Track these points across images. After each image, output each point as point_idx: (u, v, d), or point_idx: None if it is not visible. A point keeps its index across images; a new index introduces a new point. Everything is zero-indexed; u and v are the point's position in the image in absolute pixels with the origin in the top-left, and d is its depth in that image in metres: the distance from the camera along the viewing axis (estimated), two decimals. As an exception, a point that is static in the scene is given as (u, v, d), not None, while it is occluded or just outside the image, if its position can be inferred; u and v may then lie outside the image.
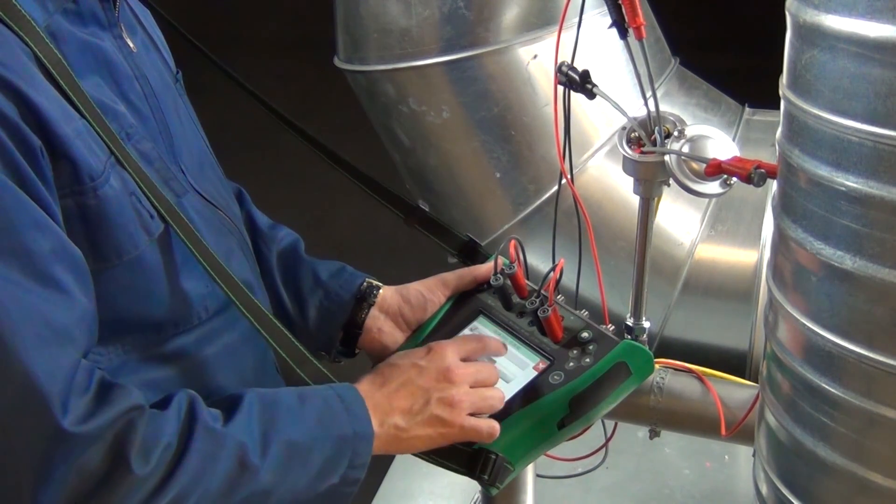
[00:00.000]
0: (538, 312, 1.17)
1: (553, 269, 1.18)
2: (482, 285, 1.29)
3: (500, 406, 1.12)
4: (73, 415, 0.87)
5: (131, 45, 1.07)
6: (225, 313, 1.08)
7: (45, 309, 0.87)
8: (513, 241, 1.23)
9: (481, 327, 1.25)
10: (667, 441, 1.72)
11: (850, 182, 0.80)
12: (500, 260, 1.24)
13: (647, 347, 1.20)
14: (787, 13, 0.87)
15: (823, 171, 0.83)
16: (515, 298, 1.25)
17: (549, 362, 1.16)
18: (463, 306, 1.28)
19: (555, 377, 1.14)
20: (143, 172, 0.98)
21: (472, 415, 1.09)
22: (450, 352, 1.12)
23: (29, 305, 0.86)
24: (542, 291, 1.18)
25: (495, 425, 1.10)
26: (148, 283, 1.00)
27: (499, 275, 1.24)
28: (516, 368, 1.18)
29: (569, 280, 1.35)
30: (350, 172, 1.53)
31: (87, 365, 0.92)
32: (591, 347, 1.16)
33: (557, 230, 1.37)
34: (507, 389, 1.15)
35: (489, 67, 1.69)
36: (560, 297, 1.24)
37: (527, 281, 1.25)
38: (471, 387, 1.10)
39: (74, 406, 0.88)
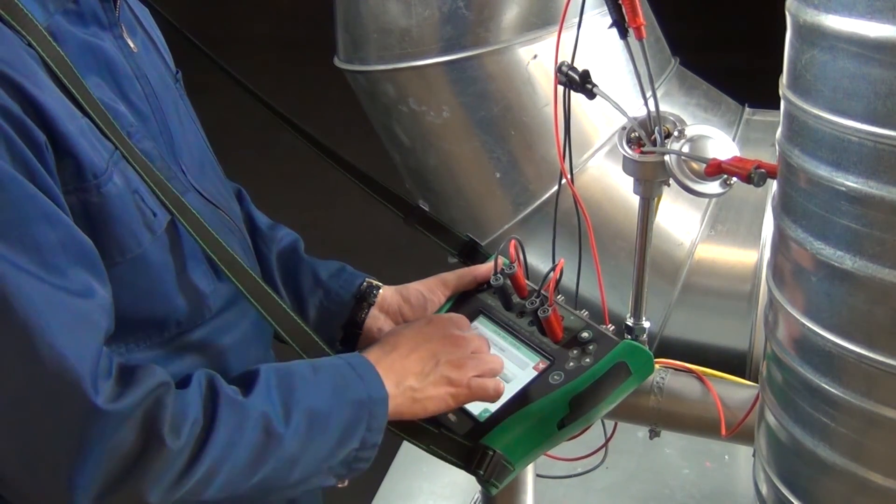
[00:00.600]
0: (538, 312, 1.17)
1: (553, 269, 1.18)
2: (482, 285, 1.29)
3: (500, 369, 1.15)
4: (105, 394, 0.88)
5: (131, 45, 1.07)
6: (234, 307, 1.09)
7: (63, 296, 0.88)
8: (513, 241, 1.23)
9: (481, 327, 1.25)
10: (667, 441, 1.72)
11: (850, 182, 0.80)
12: (500, 260, 1.24)
13: (647, 347, 1.20)
14: (787, 13, 0.87)
15: (823, 171, 0.83)
16: (515, 298, 1.25)
17: (549, 362, 1.16)
18: (463, 306, 1.28)
19: (555, 377, 1.14)
20: (149, 167, 0.99)
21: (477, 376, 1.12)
22: (448, 322, 1.16)
23: (49, 293, 0.87)
24: (542, 291, 1.18)
25: (500, 384, 1.13)
26: (152, 281, 1.01)
27: (499, 275, 1.24)
28: (516, 368, 1.18)
29: (569, 280, 1.35)
30: (350, 172, 1.53)
31: (107, 351, 0.93)
32: (591, 347, 1.16)
33: (557, 230, 1.37)
34: (508, 389, 1.15)
35: (489, 67, 1.69)
36: (560, 297, 1.24)
37: (527, 281, 1.25)
38: (473, 351, 1.14)
39: (104, 388, 0.89)
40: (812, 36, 0.82)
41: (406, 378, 1.08)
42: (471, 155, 1.76)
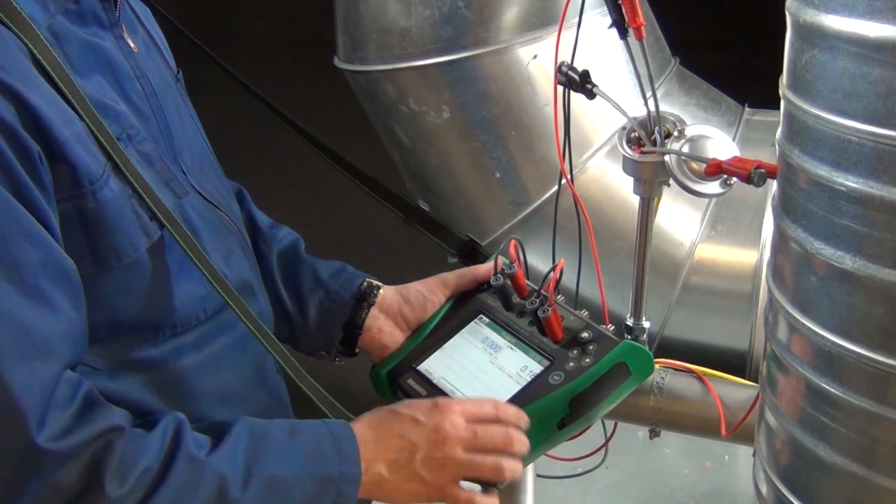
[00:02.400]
0: (538, 312, 1.17)
1: (553, 269, 1.18)
2: (482, 285, 1.29)
3: (496, 476, 1.06)
4: (50, 430, 0.87)
5: (132, 44, 1.07)
6: (224, 314, 1.08)
7: (28, 321, 0.87)
8: (513, 241, 1.23)
9: (482, 327, 1.25)
10: (667, 441, 1.72)
11: (851, 182, 0.80)
12: (501, 260, 1.24)
13: (647, 347, 1.20)
14: (787, 13, 0.87)
15: (823, 171, 0.83)
16: (515, 298, 1.25)
17: (549, 362, 1.16)
18: (463, 306, 1.28)
19: (555, 377, 1.14)
20: (142, 177, 0.98)
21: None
22: (455, 413, 1.06)
23: (11, 316, 0.86)
24: (542, 291, 1.18)
25: (479, 499, 1.05)
26: (146, 286, 1.00)
27: (499, 275, 1.24)
28: (516, 368, 1.18)
29: (569, 280, 1.35)
30: (351, 172, 1.52)
31: (72, 379, 0.91)
32: (591, 347, 1.16)
33: (557, 230, 1.37)
34: (507, 389, 1.15)
35: (489, 67, 1.70)
36: (560, 298, 1.24)
37: (527, 281, 1.25)
38: (466, 450, 1.05)
39: (52, 421, 0.87)
40: (812, 36, 0.82)
41: (376, 464, 1.03)
42: (471, 155, 1.76)
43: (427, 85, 1.72)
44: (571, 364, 1.15)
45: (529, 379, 1.16)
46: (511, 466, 1.07)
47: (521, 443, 1.08)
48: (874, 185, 0.79)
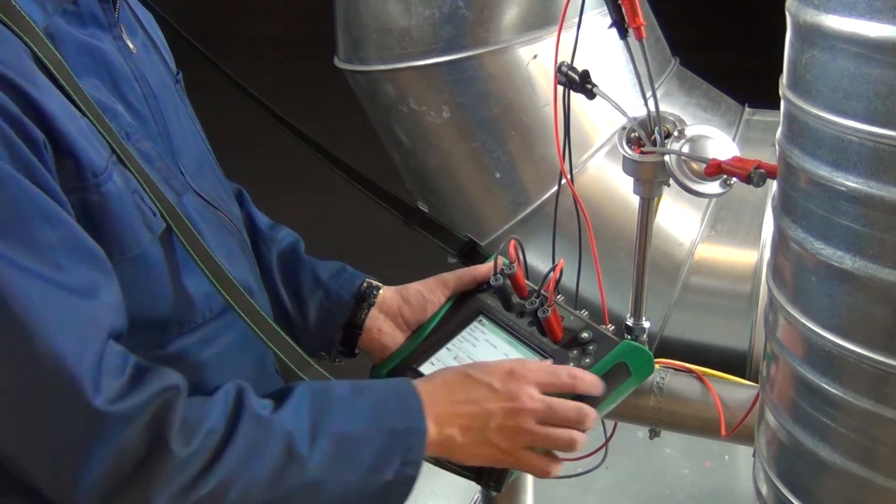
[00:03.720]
0: (538, 313, 1.17)
1: (553, 269, 1.18)
2: (482, 285, 1.29)
3: (568, 449, 1.07)
4: (106, 395, 0.88)
5: (131, 46, 1.07)
6: (227, 313, 1.08)
7: (63, 295, 0.88)
8: (512, 242, 1.23)
9: (481, 327, 1.25)
10: (667, 441, 1.72)
11: (850, 182, 0.80)
12: (500, 260, 1.24)
13: (647, 347, 1.20)
14: (787, 13, 0.87)
15: (823, 171, 0.83)
16: (515, 298, 1.25)
17: (549, 363, 1.16)
18: (463, 306, 1.28)
19: None
20: (145, 172, 0.98)
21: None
22: (530, 382, 1.06)
23: (48, 291, 0.87)
24: (542, 291, 1.18)
25: (552, 466, 1.08)
26: (151, 281, 1.00)
27: (499, 275, 1.24)
28: None
29: (569, 280, 1.35)
30: (349, 175, 1.52)
31: (120, 350, 0.92)
32: (590, 348, 1.16)
33: (557, 230, 1.37)
34: None
35: (489, 67, 1.69)
36: (560, 298, 1.24)
37: (527, 281, 1.25)
38: (539, 423, 1.06)
39: (107, 387, 0.88)
40: (812, 36, 0.82)
41: (450, 426, 1.04)
42: (471, 155, 1.76)
43: (427, 85, 1.72)
44: (571, 364, 1.15)
45: None
46: (582, 439, 1.07)
47: (592, 418, 1.08)
48: (874, 185, 0.79)
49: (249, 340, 1.09)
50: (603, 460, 1.38)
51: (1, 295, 0.85)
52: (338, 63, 1.87)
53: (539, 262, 1.57)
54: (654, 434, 1.35)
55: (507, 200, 1.77)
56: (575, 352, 1.16)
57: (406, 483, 1.02)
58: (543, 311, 1.16)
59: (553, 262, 1.27)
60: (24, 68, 0.90)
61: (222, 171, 1.24)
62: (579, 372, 1.10)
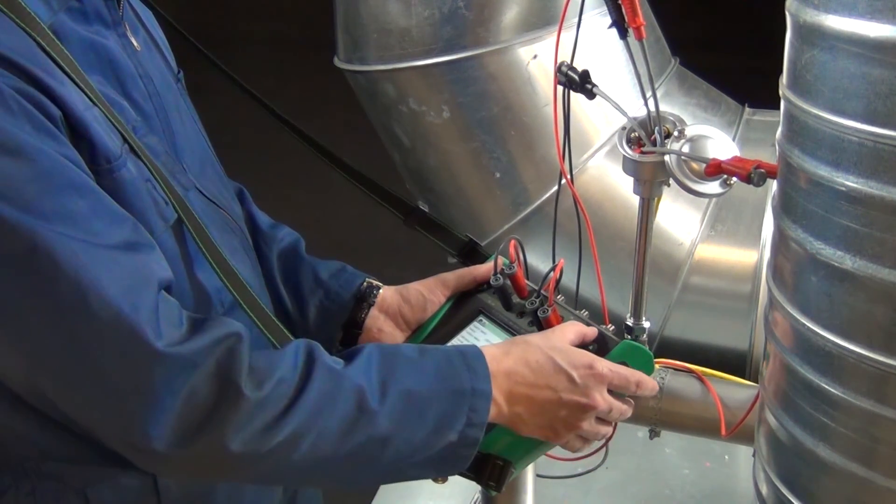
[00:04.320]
0: (538, 312, 1.17)
1: (553, 269, 1.18)
2: (482, 285, 1.29)
3: (596, 440, 1.15)
4: (168, 339, 0.90)
5: (135, 43, 1.07)
6: (237, 308, 1.09)
7: (109, 252, 0.89)
8: (513, 241, 1.23)
9: (482, 327, 1.25)
10: (667, 441, 1.72)
11: (850, 182, 0.80)
12: (500, 260, 1.24)
13: (647, 347, 1.20)
14: (787, 13, 0.87)
15: (823, 171, 0.83)
16: (515, 298, 1.25)
17: None
18: (463, 306, 1.28)
19: None
20: (155, 163, 0.99)
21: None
22: (606, 380, 1.10)
23: (94, 251, 0.88)
24: (542, 291, 1.18)
25: (584, 447, 1.15)
26: None
27: (499, 275, 1.24)
28: None
29: (569, 280, 1.35)
30: (350, 174, 1.52)
31: (174, 302, 0.94)
32: (590, 347, 1.16)
33: (557, 230, 1.37)
34: None
35: (489, 67, 1.69)
36: (560, 298, 1.24)
37: (527, 281, 1.25)
38: (596, 420, 1.12)
39: (168, 334, 0.90)
40: (812, 36, 0.82)
41: (520, 405, 1.07)
42: (471, 155, 1.76)
43: (427, 85, 1.72)
44: None
45: None
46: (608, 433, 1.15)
47: (627, 416, 1.16)
48: (874, 185, 0.79)
49: (259, 335, 1.10)
50: (603, 460, 1.38)
51: (51, 257, 0.86)
52: (338, 63, 1.87)
53: (539, 262, 1.57)
54: (654, 434, 1.35)
55: (507, 200, 1.77)
56: None
57: (470, 445, 1.04)
58: (544, 311, 1.16)
59: (553, 262, 1.27)
60: (38, 60, 0.91)
61: (223, 170, 1.24)
62: (644, 379, 1.14)
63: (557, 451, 1.18)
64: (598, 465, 1.46)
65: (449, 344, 1.23)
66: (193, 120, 1.21)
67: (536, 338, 1.11)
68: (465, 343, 1.23)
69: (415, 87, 1.74)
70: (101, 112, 0.95)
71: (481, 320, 1.25)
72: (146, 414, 0.89)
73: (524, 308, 1.22)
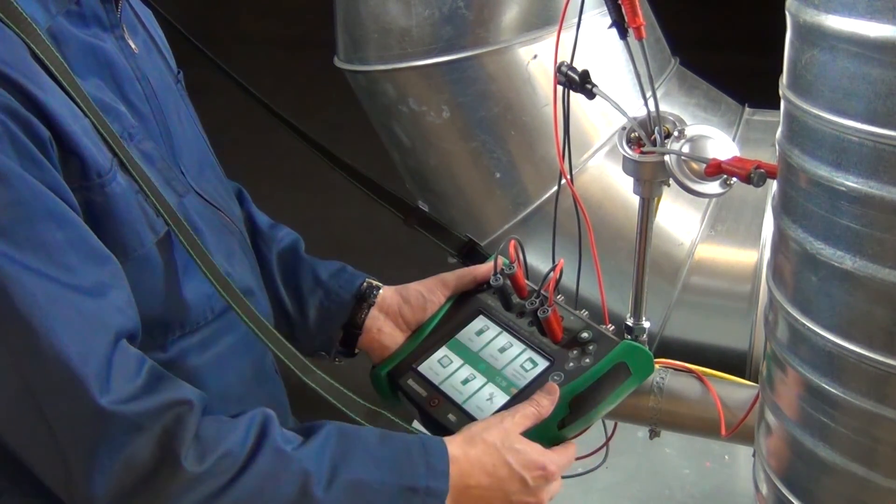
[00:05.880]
0: (538, 313, 1.17)
1: (553, 269, 1.18)
2: (482, 285, 1.29)
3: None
4: (116, 395, 0.87)
5: (133, 45, 1.07)
6: (226, 316, 1.08)
7: (69, 294, 0.88)
8: (513, 242, 1.23)
9: (481, 327, 1.25)
10: (667, 441, 1.71)
11: (851, 182, 0.80)
12: (500, 260, 1.24)
13: (647, 347, 1.20)
14: (787, 13, 0.87)
15: (823, 171, 0.83)
16: (515, 299, 1.25)
17: (549, 363, 1.16)
18: (463, 306, 1.28)
19: (555, 377, 1.14)
20: (146, 175, 0.98)
21: None
22: (555, 478, 1.10)
23: (53, 291, 0.87)
24: (542, 291, 1.18)
25: None
26: (155, 282, 1.00)
27: (498, 275, 1.24)
28: (518, 369, 1.18)
29: (569, 280, 1.35)
30: (350, 174, 1.52)
31: (135, 353, 0.92)
32: (590, 348, 1.16)
33: (557, 230, 1.37)
34: (508, 391, 1.15)
35: (489, 67, 1.69)
36: (560, 298, 1.24)
37: (527, 281, 1.25)
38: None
39: (118, 388, 0.88)
40: (812, 36, 0.82)
41: (469, 496, 1.04)
42: (471, 155, 1.76)
43: (427, 85, 1.72)
44: (571, 364, 1.15)
45: (530, 379, 1.16)
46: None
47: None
48: (874, 185, 0.79)
49: (249, 342, 1.09)
50: (603, 460, 1.38)
51: (7, 294, 0.84)
52: (338, 63, 1.87)
53: (539, 262, 1.57)
54: (654, 434, 1.35)
55: (507, 200, 1.77)
56: (575, 352, 1.16)
57: None
58: (543, 311, 1.16)
59: (553, 262, 1.27)
60: (27, 68, 0.90)
61: (223, 171, 1.24)
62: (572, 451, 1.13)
63: (557, 451, 1.18)
64: (599, 466, 1.46)
65: (441, 348, 1.23)
66: (193, 121, 1.20)
67: (494, 434, 1.07)
68: (465, 345, 1.23)
69: (415, 87, 1.74)
70: (92, 123, 0.94)
71: (481, 320, 1.25)
72: (85, 470, 0.87)
73: (524, 308, 1.22)
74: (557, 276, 1.18)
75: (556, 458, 1.10)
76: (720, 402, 1.26)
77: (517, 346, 1.20)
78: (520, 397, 1.14)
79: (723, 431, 1.25)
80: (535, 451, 1.08)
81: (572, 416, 1.12)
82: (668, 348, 1.78)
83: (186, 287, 1.03)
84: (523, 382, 1.16)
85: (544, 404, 1.10)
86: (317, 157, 1.55)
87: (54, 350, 0.86)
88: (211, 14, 6.00)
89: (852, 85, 0.79)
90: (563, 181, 1.28)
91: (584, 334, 1.17)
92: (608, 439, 1.37)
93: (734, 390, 1.29)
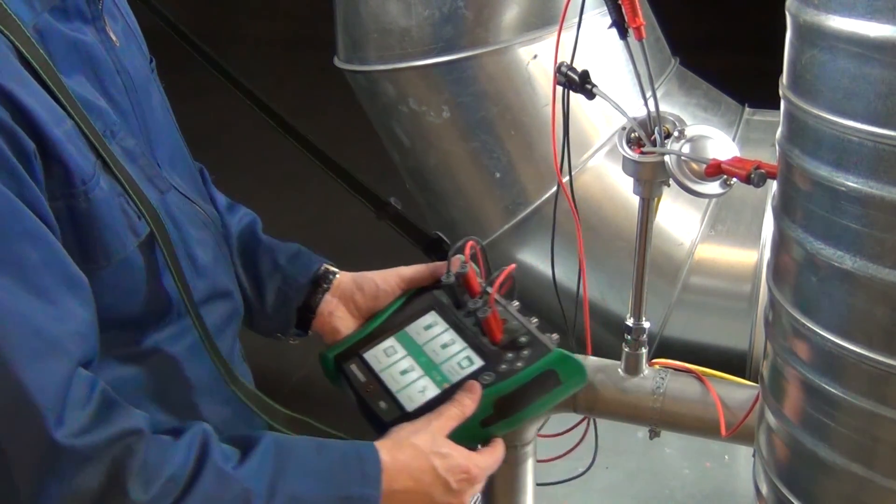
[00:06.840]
0: (478, 313, 1.18)
1: (501, 271, 1.19)
2: (439, 282, 1.29)
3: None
4: (69, 428, 0.87)
5: (114, 38, 1.07)
6: (209, 303, 1.10)
7: (36, 319, 0.87)
8: (469, 242, 1.24)
9: (430, 322, 1.25)
10: (667, 441, 1.72)
11: (851, 182, 0.80)
12: (458, 259, 1.24)
13: (580, 359, 1.20)
14: (787, 13, 0.87)
15: (824, 172, 0.83)
16: (467, 298, 1.25)
17: (483, 362, 1.18)
18: (417, 300, 1.30)
19: (485, 377, 1.16)
20: (129, 175, 0.99)
21: None
22: (478, 481, 1.12)
23: (19, 315, 0.86)
24: (486, 291, 1.19)
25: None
26: (134, 283, 1.01)
27: (451, 273, 1.24)
28: (454, 365, 1.20)
29: (569, 280, 1.35)
30: (322, 161, 1.52)
31: (87, 377, 0.91)
32: (525, 353, 1.17)
33: (557, 230, 1.37)
34: (440, 384, 1.17)
35: (489, 67, 1.70)
36: (515, 304, 1.24)
37: (480, 281, 1.25)
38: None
39: (71, 419, 0.88)
40: (812, 36, 0.82)
41: (394, 499, 1.06)
42: (470, 155, 1.76)
43: (427, 85, 1.72)
44: (504, 366, 1.16)
45: (463, 376, 1.17)
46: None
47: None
48: (874, 185, 0.79)
49: (219, 332, 1.10)
50: (593, 461, 1.38)
51: None
52: (338, 63, 1.87)
53: (538, 262, 1.57)
54: (654, 434, 1.35)
55: (506, 200, 1.78)
56: (510, 354, 1.17)
57: None
58: (483, 312, 1.18)
59: (552, 262, 1.27)
60: (12, 71, 0.89)
61: (192, 158, 1.24)
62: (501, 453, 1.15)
63: (546, 450, 1.19)
64: (598, 465, 1.46)
65: (388, 338, 1.25)
66: (166, 110, 1.20)
67: (422, 439, 1.09)
68: (412, 338, 1.24)
69: (415, 87, 1.74)
70: (75, 125, 0.93)
71: (431, 316, 1.27)
72: (32, 497, 0.87)
73: (470, 308, 1.23)
74: (503, 279, 1.19)
75: (480, 461, 1.12)
76: (720, 403, 1.26)
77: (458, 344, 1.21)
78: (450, 392, 1.15)
79: (723, 432, 1.24)
80: (460, 455, 1.10)
81: (496, 416, 1.14)
82: (669, 348, 1.78)
83: (164, 285, 1.04)
84: (456, 379, 1.17)
85: (467, 403, 1.13)
86: (318, 158, 1.55)
87: (14, 377, 0.85)
88: (211, 14, 6.00)
89: (852, 85, 0.79)
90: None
91: (522, 339, 1.19)
92: (585, 433, 1.37)
93: (734, 390, 1.29)
